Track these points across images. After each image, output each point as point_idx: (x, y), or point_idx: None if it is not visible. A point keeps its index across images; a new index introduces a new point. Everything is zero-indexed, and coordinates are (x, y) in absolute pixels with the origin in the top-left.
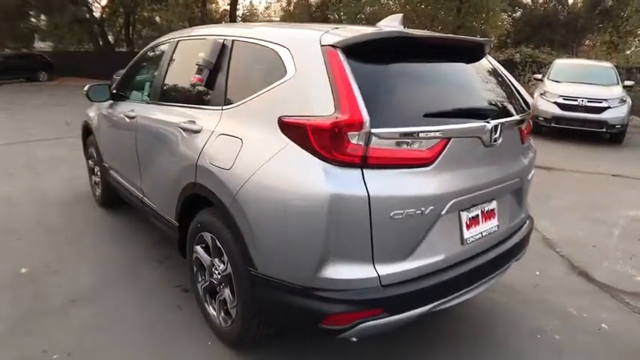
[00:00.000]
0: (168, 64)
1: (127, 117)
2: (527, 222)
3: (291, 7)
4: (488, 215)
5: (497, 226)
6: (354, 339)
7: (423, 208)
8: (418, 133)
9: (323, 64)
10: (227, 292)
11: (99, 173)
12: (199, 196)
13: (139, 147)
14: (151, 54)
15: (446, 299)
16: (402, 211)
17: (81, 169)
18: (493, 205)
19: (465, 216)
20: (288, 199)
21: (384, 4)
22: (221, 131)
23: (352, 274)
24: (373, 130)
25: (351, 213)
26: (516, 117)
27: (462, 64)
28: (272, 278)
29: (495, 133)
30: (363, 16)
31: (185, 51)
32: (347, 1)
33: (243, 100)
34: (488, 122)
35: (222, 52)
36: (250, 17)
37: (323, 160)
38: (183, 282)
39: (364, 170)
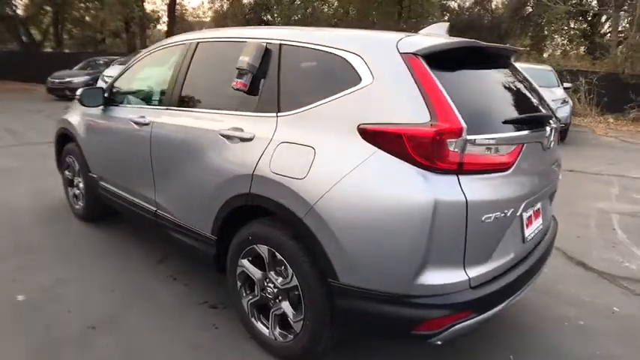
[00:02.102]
0: (188, 68)
1: (136, 123)
2: (553, 220)
3: (224, 8)
4: (537, 214)
5: (542, 224)
6: (440, 342)
7: (506, 211)
8: (504, 139)
9: (407, 72)
10: (286, 305)
11: (81, 185)
12: (250, 207)
13: (156, 156)
14: (156, 57)
15: (514, 296)
16: (491, 215)
17: (43, 180)
18: (539, 204)
19: (524, 216)
20: (384, 208)
21: (317, 7)
22: (283, 139)
23: (446, 279)
24: (468, 137)
25: (451, 218)
26: (557, 121)
27: (506, 70)
28: (358, 288)
29: (551, 137)
30: (297, 18)
31: (210, 54)
32: (283, 3)
33: (306, 107)
34: (548, 127)
35: (268, 56)
36: (180, 17)
37: (421, 168)
38: (209, 299)
39: (460, 176)
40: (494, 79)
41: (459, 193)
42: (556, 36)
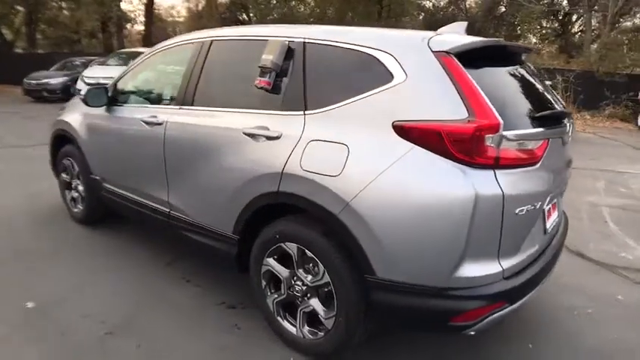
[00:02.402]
0: (202, 66)
1: (148, 123)
2: (563, 214)
3: (199, 7)
4: (554, 207)
5: (558, 216)
6: (473, 332)
7: (535, 204)
8: (534, 134)
9: (441, 70)
10: (316, 303)
11: (80, 188)
12: (277, 205)
13: (170, 156)
14: (163, 56)
15: (539, 286)
16: (523, 208)
17: (32, 184)
18: (555, 198)
19: (545, 209)
20: (423, 203)
21: (293, 6)
22: (313, 137)
23: (483, 271)
24: (504, 133)
25: (489, 212)
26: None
27: (521, 68)
28: (396, 282)
29: (569, 133)
30: (273, 18)
31: (227, 52)
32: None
33: (336, 105)
34: (567, 123)
35: (291, 54)
36: (157, 17)
37: (460, 163)
38: (226, 299)
39: (496, 171)
40: (514, 76)
41: (496, 187)
42: (529, 35)
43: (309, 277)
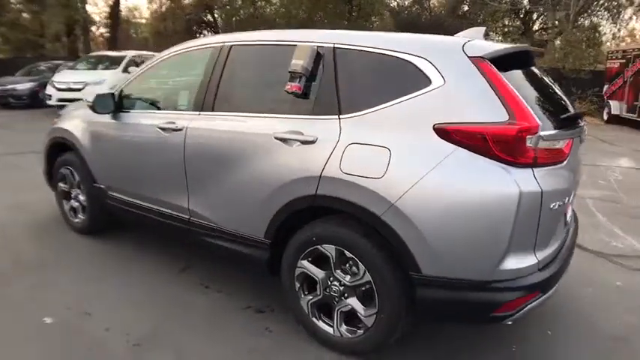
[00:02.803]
0: (222, 71)
1: (164, 129)
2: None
3: (162, 8)
4: (570, 202)
5: (573, 210)
6: (510, 322)
7: (564, 199)
8: (563, 134)
9: (479, 75)
10: (354, 302)
11: (81, 197)
12: (313, 208)
13: (191, 162)
14: (175, 61)
15: (563, 276)
16: (555, 203)
17: (20, 194)
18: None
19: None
20: (469, 201)
21: (259, 7)
22: (351, 140)
23: (521, 263)
24: (541, 133)
25: (530, 208)
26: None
27: (535, 70)
28: (441, 278)
29: (585, 132)
30: (240, 18)
31: (249, 57)
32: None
33: (372, 109)
34: (582, 122)
35: (321, 59)
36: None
37: (503, 163)
38: (251, 303)
39: (534, 169)
40: (533, 77)
41: (535, 185)
42: (492, 33)
43: (348, 277)
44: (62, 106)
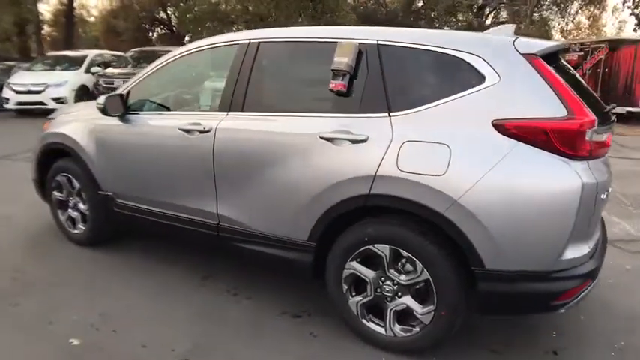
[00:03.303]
0: (251, 69)
1: (187, 131)
2: None
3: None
4: None
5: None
6: (562, 310)
7: (608, 189)
8: (607, 129)
9: (533, 71)
10: (409, 300)
11: (81, 206)
12: (365, 208)
13: (222, 165)
14: (193, 59)
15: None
16: (604, 193)
17: (1, 205)
18: None
19: None
20: (533, 195)
21: (215, 3)
22: (406, 138)
23: (577, 252)
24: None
25: (588, 199)
26: None
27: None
28: (505, 271)
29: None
30: (194, 14)
31: (282, 55)
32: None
33: (425, 107)
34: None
35: (364, 56)
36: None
37: (564, 157)
38: (286, 309)
39: (589, 162)
40: (568, 72)
41: (592, 177)
42: (446, 28)
43: (403, 276)
44: (22, 110)
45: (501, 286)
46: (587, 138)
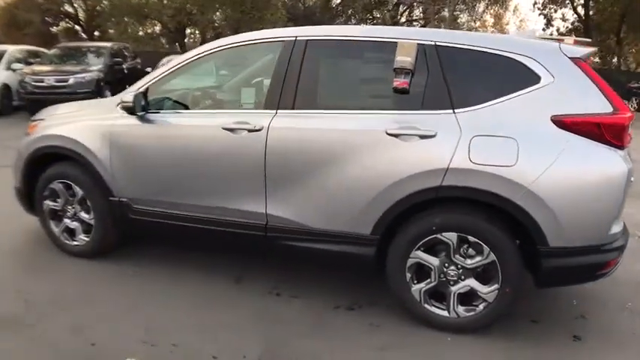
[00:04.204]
0: (301, 67)
1: (232, 130)
2: None
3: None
4: None
5: None
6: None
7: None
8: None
9: (581, 73)
10: (473, 282)
11: (84, 214)
12: (428, 200)
13: (276, 164)
14: (231, 56)
15: None
16: (632, 179)
17: None
18: None
19: None
20: (590, 180)
21: None
22: (475, 133)
23: (618, 228)
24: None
25: (627, 181)
26: None
27: None
28: (565, 248)
29: None
30: (102, 8)
31: (336, 53)
32: None
33: (488, 104)
34: None
35: (423, 56)
36: None
37: (612, 146)
38: (336, 302)
39: (625, 150)
40: None
41: (629, 162)
42: (362, 25)
43: (469, 260)
44: None
45: (561, 261)
46: (628, 130)
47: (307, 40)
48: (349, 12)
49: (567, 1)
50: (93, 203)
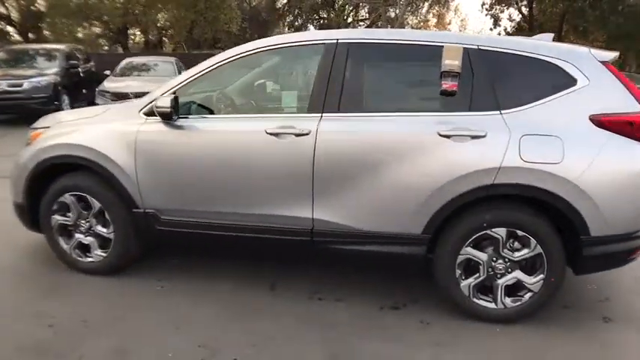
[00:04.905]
0: (345, 70)
1: (277, 134)
2: None
3: None
4: None
5: None
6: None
7: None
8: None
9: (612, 75)
10: (519, 274)
11: (100, 228)
12: (480, 198)
13: (326, 168)
14: (266, 60)
15: None
16: None
17: None
18: None
19: None
20: (628, 172)
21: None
22: (523, 132)
23: None
24: None
25: None
26: None
27: None
28: (604, 237)
29: None
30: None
31: (379, 56)
32: None
33: (531, 104)
34: None
35: (468, 59)
36: None
37: None
38: (381, 303)
39: None
40: None
41: None
42: (309, 25)
43: (517, 253)
44: None
45: (601, 249)
46: None
47: (349, 42)
48: (295, 12)
49: (513, 2)
50: (112, 216)
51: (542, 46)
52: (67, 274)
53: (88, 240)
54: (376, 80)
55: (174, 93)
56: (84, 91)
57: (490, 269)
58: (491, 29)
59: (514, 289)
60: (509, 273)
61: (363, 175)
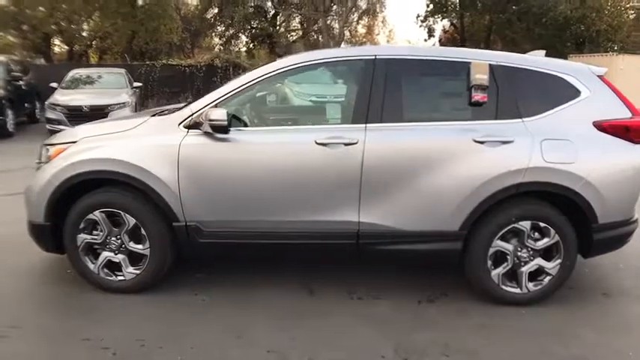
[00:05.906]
0: (385, 84)
1: (325, 144)
2: None
3: None
4: None
5: None
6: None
7: None
8: None
9: (607, 87)
10: (540, 261)
11: (134, 245)
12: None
13: (373, 175)
14: (307, 74)
15: None
16: None
17: None
18: None
19: None
20: (627, 168)
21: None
22: (543, 137)
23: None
24: None
25: None
26: None
27: None
28: (609, 223)
29: None
30: None
31: (416, 70)
32: None
33: (547, 113)
34: None
35: (492, 74)
36: None
37: (634, 143)
38: (418, 297)
39: None
40: None
41: None
42: (241, 35)
43: (539, 243)
44: None
45: (607, 233)
46: None
47: (386, 58)
48: (227, 22)
49: (446, 14)
50: (149, 231)
51: (552, 62)
52: (95, 295)
53: (118, 258)
54: (413, 92)
55: (216, 106)
56: (26, 105)
57: (516, 258)
58: (425, 40)
59: (535, 275)
60: (532, 260)
61: (405, 179)
